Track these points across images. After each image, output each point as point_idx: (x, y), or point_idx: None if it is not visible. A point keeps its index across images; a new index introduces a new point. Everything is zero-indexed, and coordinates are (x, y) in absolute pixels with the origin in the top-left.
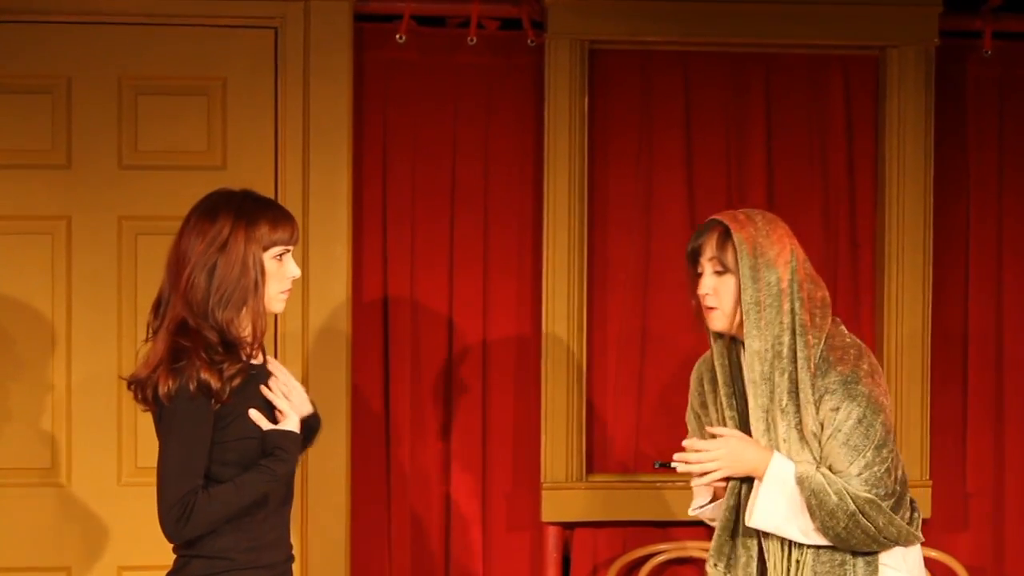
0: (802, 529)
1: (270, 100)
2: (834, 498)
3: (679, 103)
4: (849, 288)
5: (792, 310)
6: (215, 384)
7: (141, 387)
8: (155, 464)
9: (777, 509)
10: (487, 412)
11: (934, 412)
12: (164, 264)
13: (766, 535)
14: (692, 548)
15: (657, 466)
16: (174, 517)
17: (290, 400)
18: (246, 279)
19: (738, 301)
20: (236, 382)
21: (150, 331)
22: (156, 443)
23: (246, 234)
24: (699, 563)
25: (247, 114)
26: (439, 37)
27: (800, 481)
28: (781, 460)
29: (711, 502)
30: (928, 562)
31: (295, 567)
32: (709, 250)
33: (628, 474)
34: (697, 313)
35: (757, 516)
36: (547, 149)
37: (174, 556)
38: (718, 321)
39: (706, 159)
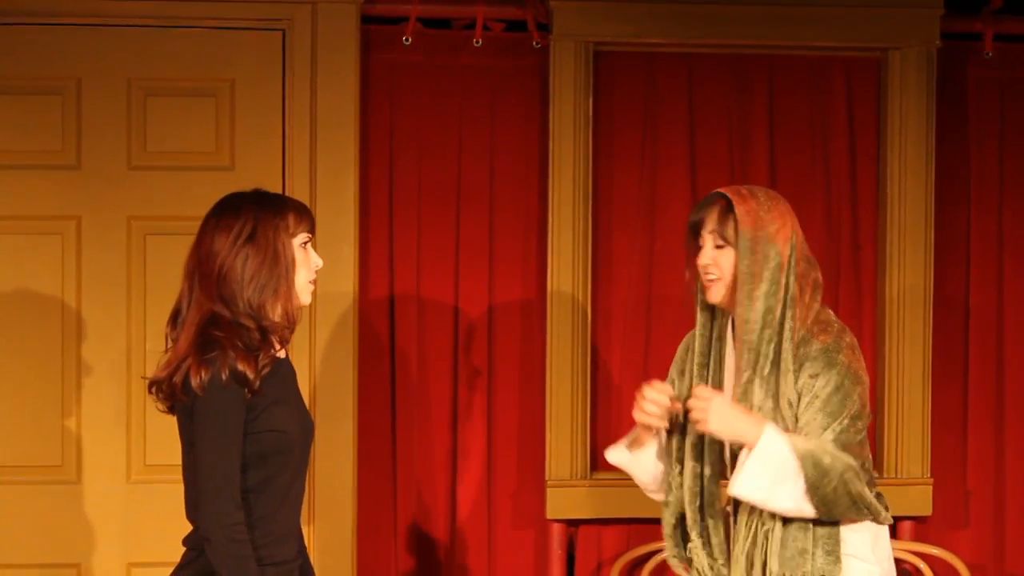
0: (790, 494)
1: (278, 101)
2: (827, 458)
3: (683, 104)
4: (851, 287)
5: (787, 284)
6: (250, 373)
7: (164, 386)
8: (163, 462)
9: (764, 477)
10: (492, 410)
11: (935, 410)
12: (179, 267)
13: (736, 507)
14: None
15: None
16: (228, 523)
17: None
18: (279, 267)
19: (736, 273)
20: (266, 371)
21: (168, 341)
22: (164, 441)
23: (274, 223)
24: None
25: (255, 115)
26: (445, 39)
27: (793, 444)
28: (773, 429)
29: (631, 447)
30: (929, 559)
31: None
32: (711, 223)
33: None
34: (688, 286)
35: (743, 484)
36: (552, 150)
37: (184, 549)
38: (718, 292)
39: (709, 160)
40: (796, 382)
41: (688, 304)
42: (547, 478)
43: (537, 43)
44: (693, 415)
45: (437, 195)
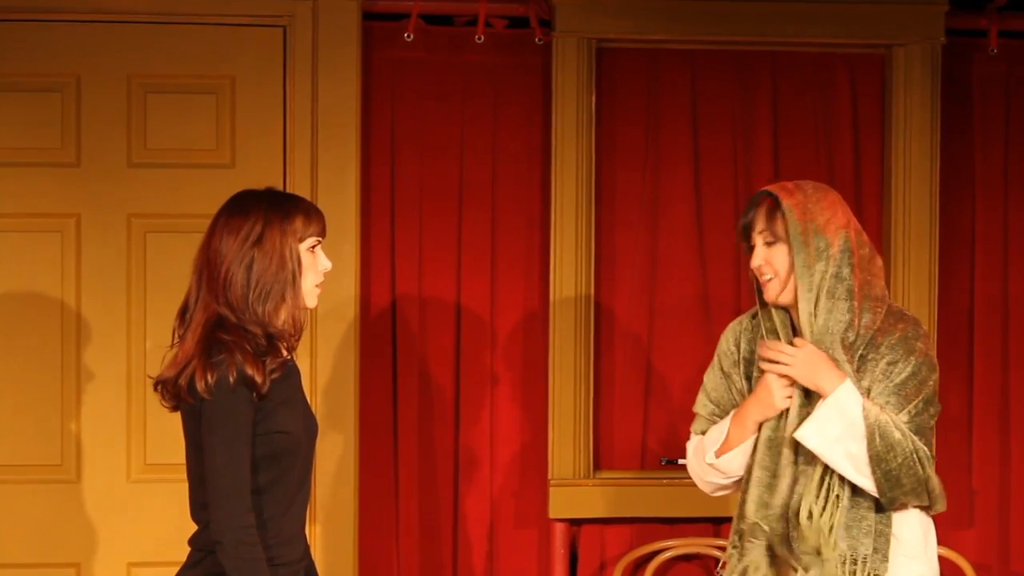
0: (850, 455)
1: (279, 98)
2: (897, 434)
3: (686, 101)
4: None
5: (839, 275)
6: (258, 377)
7: (170, 385)
8: (163, 461)
9: (831, 429)
10: (494, 408)
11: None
12: (180, 264)
13: (808, 464)
14: (699, 544)
15: (664, 462)
16: (239, 526)
17: None
18: (284, 272)
19: (791, 269)
20: (276, 375)
21: (176, 336)
22: (164, 440)
23: (281, 227)
24: (706, 559)
25: (256, 112)
26: (447, 36)
27: (866, 409)
28: (852, 386)
29: (725, 451)
30: None
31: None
32: (759, 223)
33: (635, 471)
34: (755, 286)
35: (809, 429)
36: (554, 147)
37: (189, 549)
38: (774, 291)
39: (713, 157)
40: (873, 370)
41: (755, 300)
42: (550, 477)
43: (539, 40)
44: (778, 359)
45: (439, 193)
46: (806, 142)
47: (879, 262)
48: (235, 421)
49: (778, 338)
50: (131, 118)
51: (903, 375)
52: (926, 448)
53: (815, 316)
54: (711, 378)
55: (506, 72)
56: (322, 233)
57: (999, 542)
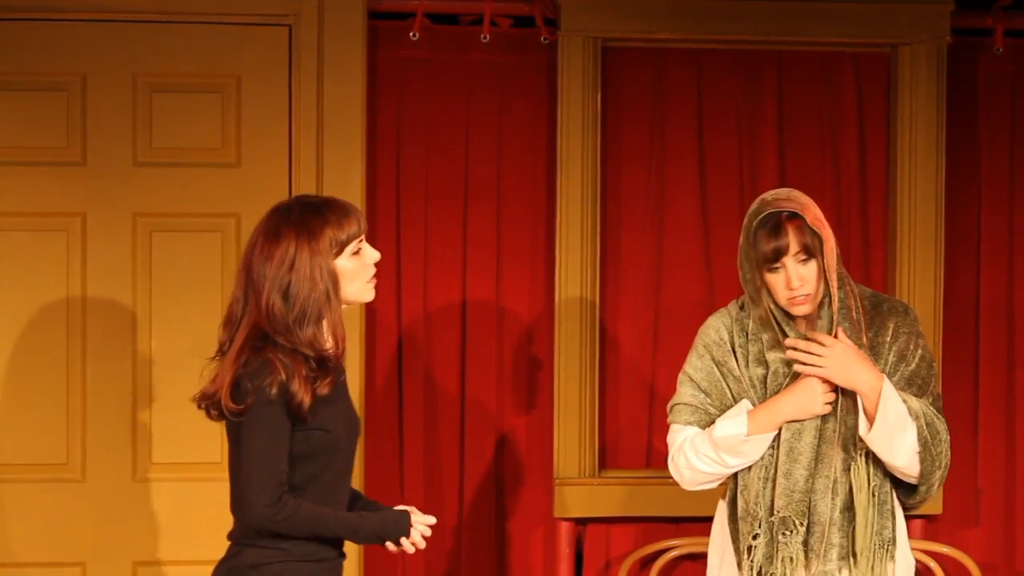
0: (908, 448)
1: (284, 97)
2: (940, 423)
3: (691, 100)
4: (861, 283)
5: (841, 264)
6: (307, 401)
7: (214, 402)
8: (169, 460)
9: (889, 425)
10: (500, 408)
11: (945, 407)
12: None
13: (835, 457)
14: (704, 544)
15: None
16: (264, 502)
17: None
18: (316, 292)
19: (820, 279)
20: (325, 391)
21: (220, 348)
22: (170, 439)
23: (310, 248)
24: None
25: (261, 111)
26: (452, 35)
27: (909, 404)
28: (890, 383)
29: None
30: (940, 558)
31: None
32: (794, 245)
33: (641, 470)
34: (764, 313)
35: (877, 432)
36: (560, 146)
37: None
38: (808, 307)
39: (718, 156)
40: (884, 356)
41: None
42: (555, 476)
43: (545, 39)
44: (810, 360)
45: (444, 192)
46: (811, 141)
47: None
48: (270, 427)
49: (781, 334)
50: (137, 117)
51: (913, 364)
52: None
53: (841, 302)
54: (698, 368)
55: (511, 71)
56: (361, 231)
57: (1005, 541)
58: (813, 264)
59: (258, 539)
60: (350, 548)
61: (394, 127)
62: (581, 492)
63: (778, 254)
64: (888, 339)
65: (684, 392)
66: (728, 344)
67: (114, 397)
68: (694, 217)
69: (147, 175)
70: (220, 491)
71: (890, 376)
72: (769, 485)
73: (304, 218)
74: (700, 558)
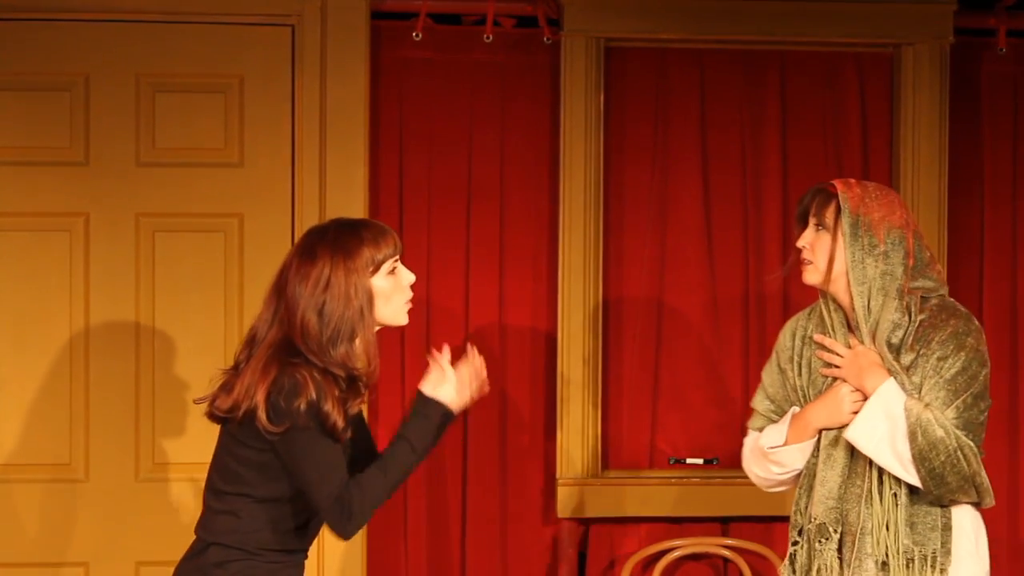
0: (896, 453)
1: (287, 97)
2: (940, 431)
3: (694, 100)
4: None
5: (893, 273)
6: (340, 423)
7: (229, 412)
8: (172, 460)
9: (877, 428)
10: (504, 408)
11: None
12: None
13: (867, 464)
14: (708, 544)
15: (672, 462)
16: (335, 516)
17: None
18: (350, 310)
19: (831, 259)
20: (355, 411)
21: (236, 365)
22: (173, 439)
23: (346, 266)
24: (714, 559)
25: (264, 111)
26: (455, 35)
27: (908, 408)
28: (895, 386)
29: (784, 444)
30: None
31: (310, 564)
32: (815, 208)
33: (644, 470)
34: (792, 263)
35: (857, 429)
36: (563, 147)
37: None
38: (811, 275)
39: (721, 156)
40: (924, 366)
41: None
42: (558, 476)
43: (548, 39)
44: (831, 359)
45: (447, 192)
46: (814, 141)
47: (938, 267)
48: (321, 450)
49: (835, 336)
50: (140, 117)
51: (953, 370)
52: (972, 443)
53: (868, 311)
54: (768, 374)
55: (514, 71)
56: (396, 251)
57: (1009, 543)
58: (826, 239)
59: (221, 536)
60: (353, 548)
61: (397, 127)
62: (584, 492)
63: (802, 216)
64: (931, 349)
65: (756, 397)
66: (791, 350)
67: (117, 397)
68: (697, 217)
69: (150, 175)
70: None
71: (925, 381)
72: (808, 492)
73: (340, 237)
74: (703, 558)
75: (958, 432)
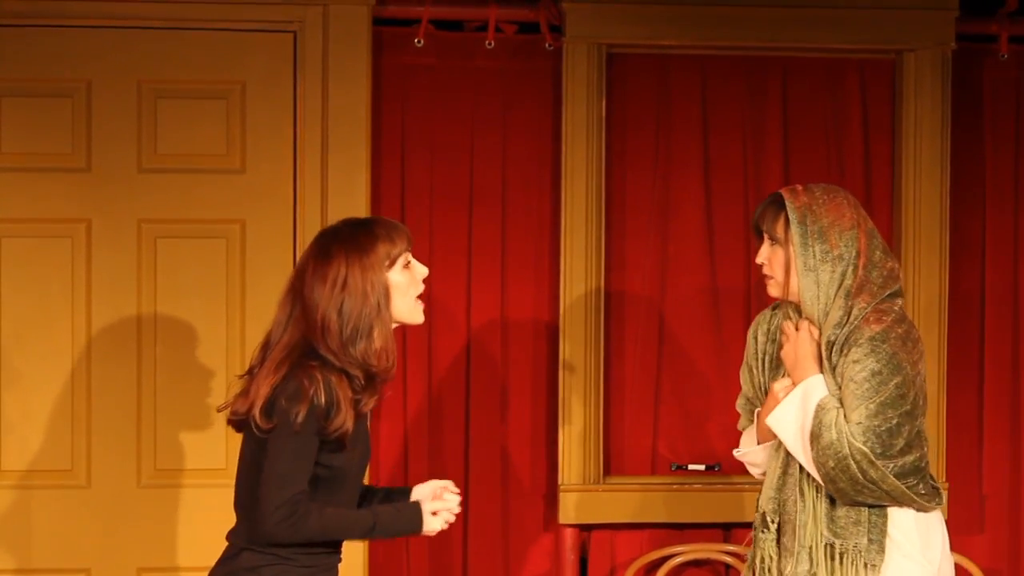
0: (805, 450)
1: (289, 103)
2: (833, 434)
3: (696, 106)
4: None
5: (843, 274)
6: (349, 426)
7: (243, 416)
8: (174, 466)
9: (790, 421)
10: (505, 414)
11: (950, 414)
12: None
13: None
14: (709, 550)
15: (674, 468)
16: (280, 516)
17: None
18: (368, 307)
19: (787, 271)
20: (367, 409)
21: (251, 369)
22: (175, 445)
23: (361, 264)
24: (716, 565)
25: (266, 117)
26: (457, 41)
27: (818, 408)
28: (819, 381)
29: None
30: None
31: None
32: (765, 223)
33: (645, 476)
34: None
35: (775, 415)
36: (564, 153)
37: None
38: (772, 289)
39: (723, 162)
40: (842, 368)
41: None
42: (560, 482)
43: (550, 45)
44: (782, 338)
45: (449, 197)
46: (816, 147)
47: (891, 264)
48: (304, 442)
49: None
50: (142, 123)
51: (863, 374)
52: (868, 450)
53: (826, 314)
54: (742, 374)
55: (516, 77)
56: (409, 245)
57: (1010, 547)
58: (780, 253)
59: (255, 542)
60: (355, 552)
61: (399, 133)
62: (586, 499)
63: (756, 229)
64: (851, 351)
65: (738, 399)
66: (754, 345)
67: (119, 403)
68: (699, 224)
69: (152, 181)
70: (225, 497)
71: (843, 382)
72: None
73: (353, 236)
74: (704, 564)
75: (852, 438)
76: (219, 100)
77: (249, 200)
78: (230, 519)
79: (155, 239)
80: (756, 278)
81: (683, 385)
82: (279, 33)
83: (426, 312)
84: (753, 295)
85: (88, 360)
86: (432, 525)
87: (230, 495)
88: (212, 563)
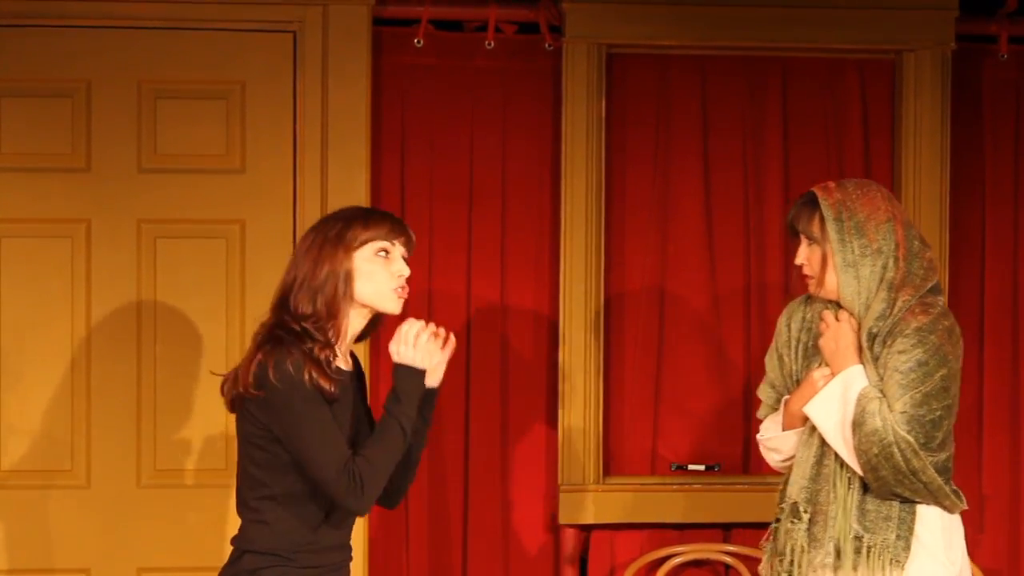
0: (846, 440)
1: (288, 103)
2: (877, 421)
3: (696, 106)
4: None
5: (884, 267)
6: (324, 383)
7: (230, 382)
8: (174, 466)
9: (832, 409)
10: (505, 414)
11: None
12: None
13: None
14: (709, 550)
15: (674, 468)
16: (344, 488)
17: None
18: (319, 273)
19: (824, 268)
20: (340, 376)
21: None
22: (174, 445)
23: (326, 236)
24: (716, 565)
25: (266, 117)
26: (457, 41)
27: (860, 397)
28: (859, 371)
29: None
30: None
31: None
32: (800, 223)
33: (645, 476)
34: (796, 278)
35: (815, 405)
36: (564, 153)
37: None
38: (812, 288)
39: (723, 162)
40: (886, 358)
41: (794, 292)
42: (560, 482)
43: (549, 45)
44: (821, 327)
45: (449, 198)
46: (816, 146)
47: (929, 255)
48: (317, 406)
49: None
50: (141, 123)
51: (908, 364)
52: (912, 440)
53: (866, 308)
54: (768, 361)
55: (516, 77)
56: (387, 237)
57: (1010, 548)
58: (817, 251)
59: (254, 544)
60: (355, 555)
61: (399, 133)
62: (586, 499)
63: (792, 229)
64: (896, 341)
65: (761, 386)
66: (786, 334)
67: (119, 403)
68: (699, 222)
69: (152, 181)
70: (225, 498)
71: (885, 372)
72: (789, 474)
73: (334, 217)
74: (704, 565)
75: (897, 426)
76: (219, 100)
77: (249, 200)
78: (230, 519)
79: (155, 239)
80: (756, 277)
81: (683, 385)
82: (279, 33)
83: (426, 310)
84: (753, 294)
85: (88, 360)
86: (426, 354)
87: (230, 495)
88: (212, 563)
